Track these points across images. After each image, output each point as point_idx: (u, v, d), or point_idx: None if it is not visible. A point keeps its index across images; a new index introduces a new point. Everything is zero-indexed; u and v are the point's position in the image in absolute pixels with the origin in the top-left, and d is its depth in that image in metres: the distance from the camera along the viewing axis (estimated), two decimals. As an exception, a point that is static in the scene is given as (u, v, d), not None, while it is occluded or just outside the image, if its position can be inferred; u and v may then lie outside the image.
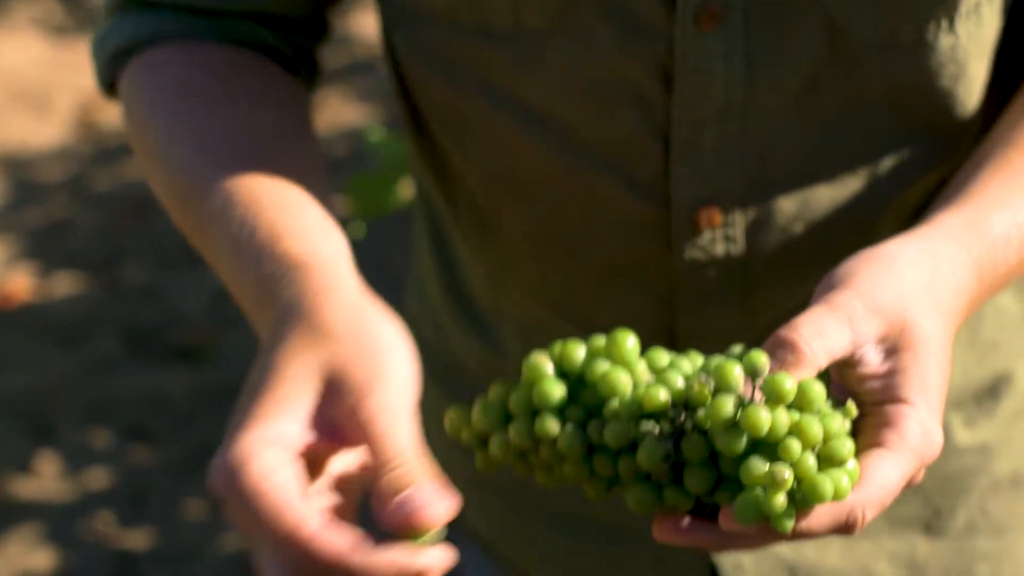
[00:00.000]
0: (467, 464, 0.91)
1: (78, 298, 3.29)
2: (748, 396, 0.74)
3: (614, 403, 0.74)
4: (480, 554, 1.20)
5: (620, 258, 0.97)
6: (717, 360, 0.77)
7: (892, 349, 0.78)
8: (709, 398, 0.73)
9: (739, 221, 0.95)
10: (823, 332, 0.76)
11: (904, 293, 0.79)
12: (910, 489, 1.06)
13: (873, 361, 0.78)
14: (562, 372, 0.76)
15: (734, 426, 0.72)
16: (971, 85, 0.94)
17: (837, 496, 0.73)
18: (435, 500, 0.70)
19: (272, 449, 0.71)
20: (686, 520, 0.75)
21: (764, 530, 0.73)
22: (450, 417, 0.80)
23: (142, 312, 3.22)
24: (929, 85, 0.92)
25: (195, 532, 2.65)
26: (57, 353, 3.11)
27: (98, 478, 2.78)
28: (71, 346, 3.13)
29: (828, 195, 0.95)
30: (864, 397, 0.79)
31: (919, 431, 0.77)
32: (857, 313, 0.77)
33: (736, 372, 0.73)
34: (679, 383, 0.75)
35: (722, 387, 0.73)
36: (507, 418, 0.76)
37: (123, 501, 2.72)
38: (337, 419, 0.73)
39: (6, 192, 3.67)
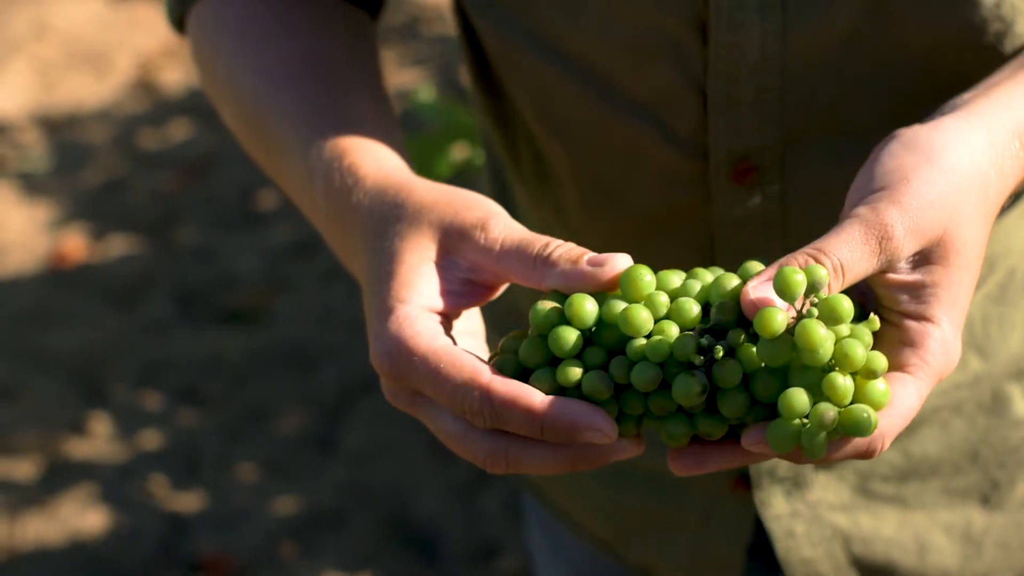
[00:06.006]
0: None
1: (132, 259, 3.30)
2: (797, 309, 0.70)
3: (639, 342, 0.71)
4: (535, 500, 1.22)
5: (660, 209, 0.97)
6: (750, 266, 0.74)
7: (925, 260, 0.75)
8: (736, 315, 0.71)
9: (777, 177, 0.93)
10: (849, 265, 0.72)
11: (951, 200, 0.75)
12: (967, 460, 1.04)
13: (903, 270, 0.75)
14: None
15: (780, 338, 0.69)
16: (1017, 43, 0.90)
17: (870, 429, 0.70)
18: (611, 256, 0.74)
19: (426, 315, 0.76)
20: (692, 454, 0.73)
21: (791, 454, 0.72)
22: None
23: (196, 274, 3.23)
24: (971, 42, 0.89)
25: (246, 496, 2.65)
26: (111, 313, 3.12)
27: (150, 440, 2.78)
28: (125, 307, 3.14)
29: (866, 150, 0.92)
30: (887, 303, 0.76)
31: (940, 351, 0.74)
32: (895, 237, 0.73)
33: (799, 279, 0.69)
34: (695, 311, 0.72)
35: (784, 295, 0.69)
36: (521, 368, 0.75)
37: (175, 463, 2.73)
38: (471, 260, 0.78)
39: (63, 151, 3.68)
